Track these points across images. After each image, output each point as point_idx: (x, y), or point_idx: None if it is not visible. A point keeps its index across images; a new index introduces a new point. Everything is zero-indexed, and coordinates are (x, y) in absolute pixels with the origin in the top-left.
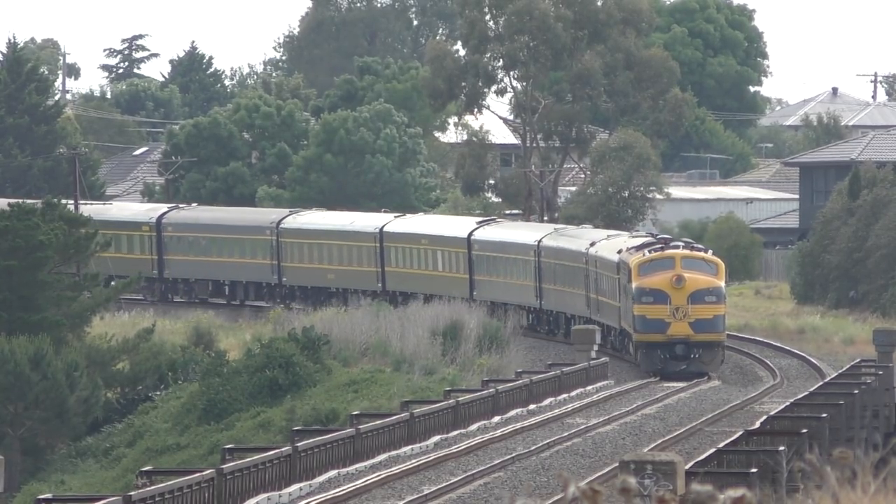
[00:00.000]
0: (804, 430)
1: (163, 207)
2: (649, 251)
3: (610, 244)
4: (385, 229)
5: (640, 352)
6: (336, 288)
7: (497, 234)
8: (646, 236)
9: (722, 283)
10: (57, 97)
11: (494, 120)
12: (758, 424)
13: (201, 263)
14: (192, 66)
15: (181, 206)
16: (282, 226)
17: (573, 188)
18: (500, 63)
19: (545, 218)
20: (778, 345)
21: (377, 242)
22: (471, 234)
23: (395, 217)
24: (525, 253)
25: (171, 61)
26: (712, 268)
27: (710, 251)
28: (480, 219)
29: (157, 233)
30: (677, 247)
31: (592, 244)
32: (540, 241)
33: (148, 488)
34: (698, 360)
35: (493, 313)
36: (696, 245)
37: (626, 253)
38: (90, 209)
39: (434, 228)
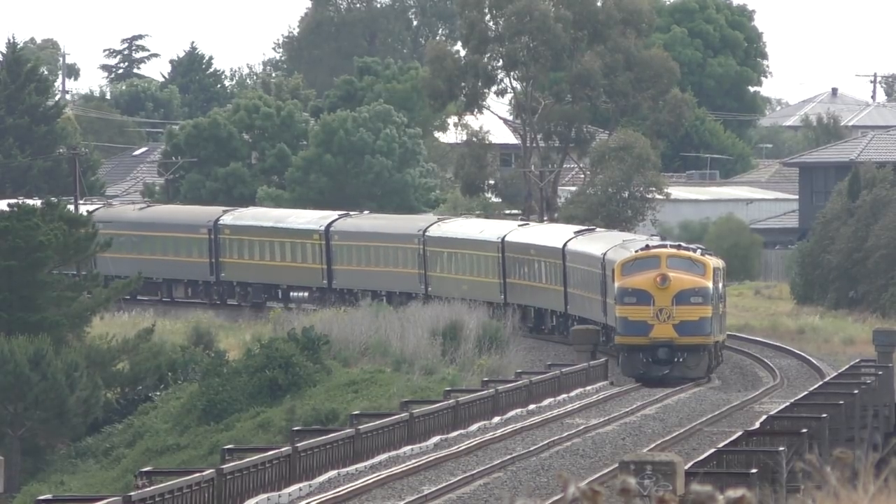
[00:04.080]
0: (804, 431)
1: (333, 215)
2: (635, 250)
3: None
4: (507, 239)
5: (621, 355)
6: (469, 299)
7: (582, 245)
8: (694, 248)
9: (709, 284)
10: (57, 97)
11: (494, 120)
12: (758, 424)
13: (363, 273)
14: (191, 67)
15: (351, 213)
16: (427, 234)
17: (573, 188)
18: (500, 63)
19: (545, 218)
20: (778, 345)
21: (499, 252)
22: (565, 244)
23: (519, 226)
24: (594, 265)
25: (170, 61)
26: (700, 267)
27: (699, 251)
28: (578, 228)
29: (326, 241)
30: (664, 245)
31: None
32: (605, 253)
33: (148, 488)
34: (682, 364)
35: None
36: (688, 245)
37: None
38: (272, 215)
39: (541, 238)
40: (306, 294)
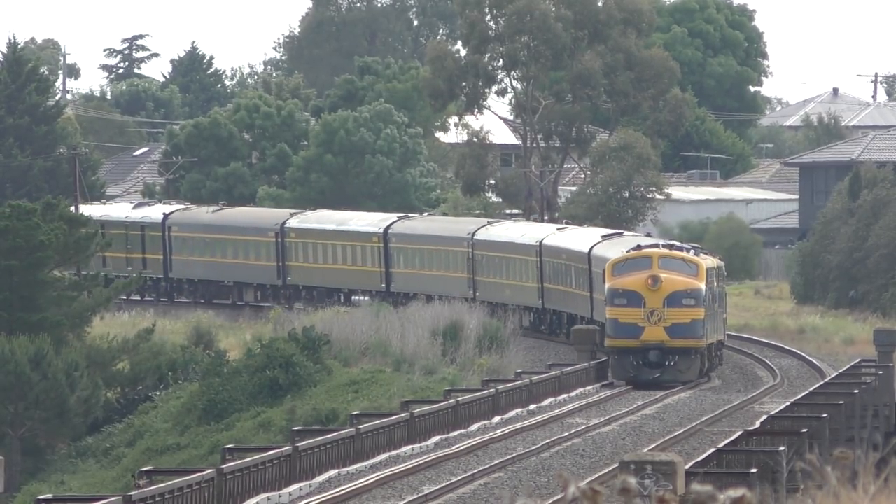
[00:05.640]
0: (804, 430)
1: (392, 217)
2: (626, 250)
3: None
4: (544, 243)
5: (611, 358)
6: (512, 305)
7: (605, 250)
8: (688, 248)
9: (702, 285)
10: (57, 97)
11: (495, 120)
12: (758, 424)
13: (418, 277)
14: (192, 67)
15: (409, 215)
16: (475, 237)
17: (573, 188)
18: (501, 63)
19: (545, 218)
20: (778, 345)
21: (537, 257)
22: (591, 249)
23: (557, 229)
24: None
25: (171, 61)
26: (692, 268)
27: (692, 251)
28: (607, 231)
29: (385, 244)
30: (655, 245)
31: None
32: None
33: (148, 488)
34: (674, 367)
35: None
36: (681, 245)
37: None
38: (335, 217)
39: (572, 242)
40: (367, 298)
